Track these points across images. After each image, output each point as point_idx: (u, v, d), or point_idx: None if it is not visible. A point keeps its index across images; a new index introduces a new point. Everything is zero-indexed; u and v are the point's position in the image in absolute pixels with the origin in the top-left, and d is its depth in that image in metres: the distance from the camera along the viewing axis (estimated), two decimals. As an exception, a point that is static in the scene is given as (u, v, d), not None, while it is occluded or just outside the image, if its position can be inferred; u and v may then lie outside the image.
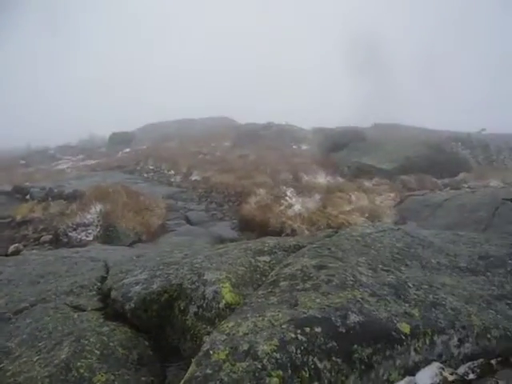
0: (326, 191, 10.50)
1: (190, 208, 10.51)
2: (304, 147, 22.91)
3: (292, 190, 10.50)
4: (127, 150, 24.10)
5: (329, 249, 2.38)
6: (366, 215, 8.56)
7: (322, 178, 12.61)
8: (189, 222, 9.29)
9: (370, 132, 20.73)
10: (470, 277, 2.44)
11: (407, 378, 1.64)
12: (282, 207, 9.38)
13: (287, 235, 7.31)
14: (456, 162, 15.09)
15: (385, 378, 1.57)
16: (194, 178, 14.25)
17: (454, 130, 21.86)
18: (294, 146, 23.38)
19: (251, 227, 8.68)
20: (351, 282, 1.93)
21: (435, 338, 1.72)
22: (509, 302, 2.17)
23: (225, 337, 1.56)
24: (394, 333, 1.63)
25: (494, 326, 1.91)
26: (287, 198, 9.98)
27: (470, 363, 1.80)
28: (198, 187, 12.78)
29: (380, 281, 2.03)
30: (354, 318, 1.61)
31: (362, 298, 1.80)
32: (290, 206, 9.47)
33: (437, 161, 14.62)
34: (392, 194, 10.36)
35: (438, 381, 1.67)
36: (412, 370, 1.66)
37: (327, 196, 10.08)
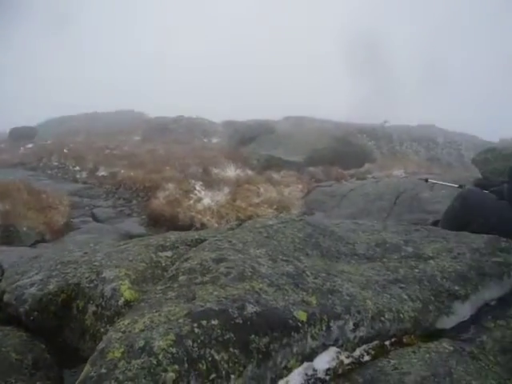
0: (235, 184, 10.59)
1: (96, 205, 10.22)
2: (214, 140, 23.00)
3: (201, 183, 10.49)
4: (30, 145, 22.87)
5: (229, 241, 2.41)
6: (275, 207, 8.75)
7: (231, 171, 12.68)
8: (95, 219, 9.03)
9: (280, 125, 21.12)
10: (367, 263, 2.57)
11: (305, 364, 1.71)
12: (191, 201, 9.35)
13: (196, 229, 7.29)
14: (361, 154, 15.78)
15: (283, 365, 1.62)
16: (100, 173, 13.85)
17: (361, 123, 22.81)
18: (205, 140, 23.41)
19: (160, 222, 8.59)
20: (250, 274, 1.97)
21: (331, 323, 1.80)
22: (402, 285, 2.31)
23: (120, 334, 1.54)
24: (290, 321, 1.69)
25: (387, 310, 2.03)
26: (196, 191, 9.96)
27: (365, 346, 1.90)
28: (105, 183, 12.44)
29: (279, 271, 2.09)
30: (251, 309, 1.64)
31: (260, 289, 1.84)
32: (200, 199, 9.46)
33: (343, 152, 15.22)
34: (300, 186, 10.65)
35: (334, 364, 1.76)
36: (310, 356, 1.73)
37: (236, 189, 10.17)
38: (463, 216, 3.67)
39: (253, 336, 1.57)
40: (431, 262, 2.61)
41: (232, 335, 1.54)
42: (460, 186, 4.30)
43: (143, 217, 9.29)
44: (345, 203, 7.88)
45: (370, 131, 20.49)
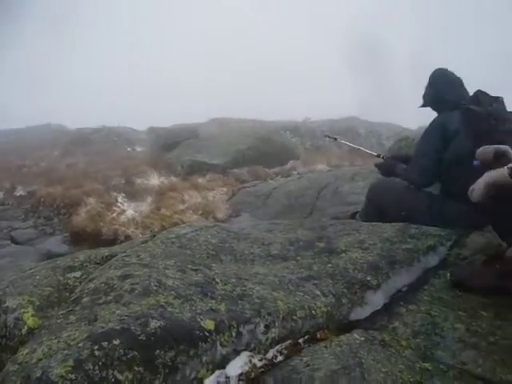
0: (158, 193, 10.46)
1: (15, 226, 9.76)
2: (138, 149, 22.61)
3: (124, 195, 10.29)
4: None
5: (138, 256, 2.40)
6: (200, 212, 8.71)
7: (155, 180, 12.50)
8: (15, 241, 8.63)
9: (203, 128, 21.06)
10: (281, 263, 2.63)
11: (217, 372, 1.72)
12: (114, 214, 9.15)
13: (121, 242, 7.15)
14: (285, 151, 15.99)
15: (192, 376, 1.63)
16: (18, 193, 13.27)
17: (286, 120, 23.14)
18: (128, 149, 22.96)
19: (83, 239, 8.34)
20: (155, 288, 1.96)
21: (241, 328, 1.83)
22: (315, 281, 2.38)
23: (17, 366, 1.50)
24: (197, 331, 1.70)
25: (299, 308, 2.09)
26: (119, 203, 9.77)
27: (278, 346, 1.94)
28: (24, 203, 11.92)
29: (187, 281, 2.10)
30: (154, 324, 1.64)
31: (165, 302, 1.84)
32: (123, 211, 9.28)
33: (267, 151, 15.36)
34: (225, 189, 10.66)
35: (247, 369, 1.78)
36: (221, 364, 1.75)
37: (160, 197, 10.05)
38: (375, 206, 3.82)
39: (158, 351, 1.57)
40: (343, 255, 2.71)
41: (136, 353, 1.53)
42: (378, 155, 4.42)
43: (65, 234, 9.00)
44: (269, 202, 7.98)
45: (293, 128, 20.85)
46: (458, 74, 3.87)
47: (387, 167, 4.05)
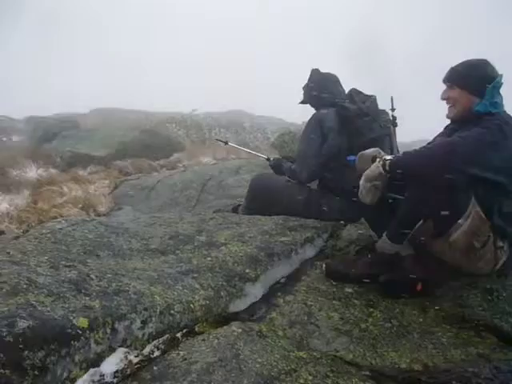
0: (36, 185, 9.94)
1: None
2: (15, 139, 21.26)
3: (-3, 188, 9.65)
4: None
5: (8, 253, 2.28)
6: (80, 206, 8.40)
7: (32, 172, 11.84)
8: None
9: (86, 119, 20.29)
10: (160, 257, 2.63)
11: (91, 371, 1.70)
12: (-16, 208, 8.58)
13: (-6, 238, 6.71)
14: (171, 143, 15.86)
15: (64, 376, 1.60)
16: None
17: (173, 111, 22.88)
18: (4, 139, 21.51)
19: None
20: (25, 286, 1.88)
21: (116, 325, 1.82)
22: (195, 275, 2.42)
23: None
24: (69, 329, 1.66)
25: (177, 302, 2.11)
26: (-8, 197, 9.15)
27: (155, 341, 1.95)
28: None
29: (60, 278, 2.04)
30: (22, 324, 1.58)
31: (36, 301, 1.77)
32: (-5, 205, 8.72)
33: (152, 143, 15.14)
34: (107, 181, 10.35)
35: (123, 366, 1.77)
36: (96, 362, 1.72)
37: (38, 190, 9.56)
38: (256, 200, 3.92)
39: (26, 352, 1.51)
40: (223, 248, 2.77)
41: (2, 355, 1.47)
42: (268, 159, 4.51)
43: None
44: (153, 195, 7.88)
45: (179, 120, 20.69)
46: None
47: (276, 167, 4.16)
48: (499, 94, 2.65)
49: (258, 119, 24.99)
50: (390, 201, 2.69)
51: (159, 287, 2.17)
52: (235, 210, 4.37)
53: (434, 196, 2.44)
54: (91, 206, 8.48)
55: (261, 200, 3.89)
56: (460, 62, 2.75)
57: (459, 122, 2.76)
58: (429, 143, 2.82)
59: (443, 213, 2.50)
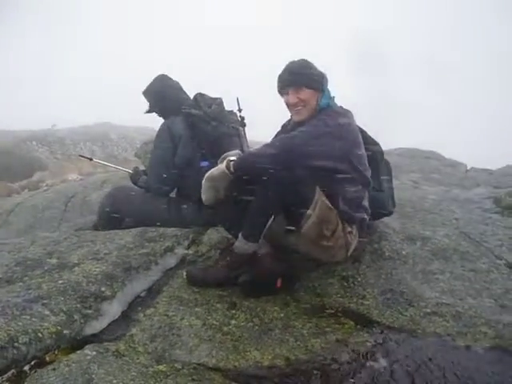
0: None
1: None
2: None
3: None
4: None
5: None
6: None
7: None
8: None
9: None
10: (6, 287, 2.45)
11: None
12: None
13: None
14: (32, 162, 15.07)
15: None
16: None
17: (34, 129, 21.76)
18: None
19: None
20: None
21: None
22: (45, 301, 2.27)
23: None
24: None
25: (22, 333, 1.96)
26: None
27: (-2, 379, 1.80)
28: None
29: None
30: None
31: None
32: None
33: (10, 164, 14.28)
34: (-42, 210, 9.55)
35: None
36: None
37: None
38: (112, 214, 3.81)
39: None
40: (76, 269, 2.64)
41: None
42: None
43: None
44: (12, 219, 7.36)
45: (41, 137, 19.71)
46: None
47: (133, 180, 4.05)
48: None
49: (127, 130, 24.45)
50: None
51: (1, 320, 2.02)
52: (96, 227, 4.21)
53: (280, 191, 2.51)
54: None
55: (117, 214, 3.78)
56: (284, 67, 2.86)
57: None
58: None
59: (292, 207, 2.58)
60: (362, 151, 2.83)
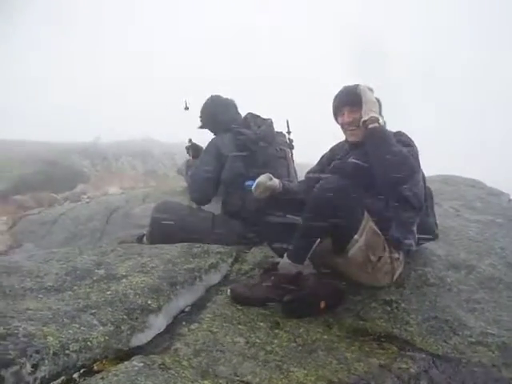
0: None
1: None
2: None
3: None
4: None
5: None
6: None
7: None
8: None
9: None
10: (56, 295, 2.51)
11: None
12: None
13: None
14: (74, 174, 15.42)
15: None
16: None
17: (75, 141, 22.21)
18: None
19: None
20: None
21: (3, 372, 1.70)
22: (93, 311, 2.32)
23: None
24: None
25: (73, 340, 2.01)
26: None
27: (49, 385, 1.84)
28: None
29: None
30: None
31: None
32: None
33: (55, 175, 14.67)
34: (4, 218, 9.83)
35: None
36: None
37: None
38: (160, 228, 3.86)
39: None
40: (124, 280, 2.68)
41: None
42: None
43: None
44: (56, 230, 7.56)
45: (82, 150, 20.11)
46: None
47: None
48: None
49: (167, 146, 24.76)
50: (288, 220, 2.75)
51: (53, 327, 2.07)
52: (140, 239, 4.28)
53: (329, 214, 2.51)
54: (-10, 248, 8.00)
55: (164, 228, 3.84)
56: (341, 89, 2.90)
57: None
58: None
59: (339, 230, 2.58)
60: (421, 174, 2.85)
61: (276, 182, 2.90)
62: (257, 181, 2.87)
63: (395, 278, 2.82)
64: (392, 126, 2.86)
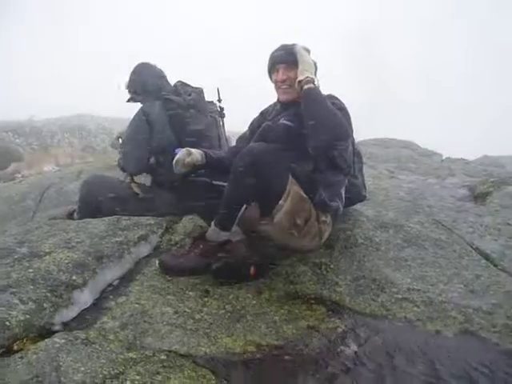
0: None
1: None
2: None
3: None
4: None
5: None
6: None
7: None
8: None
9: None
10: (-26, 277, 2.40)
11: None
12: None
13: None
14: (7, 153, 14.83)
15: None
16: None
17: (7, 120, 21.42)
18: None
19: None
20: None
21: None
22: (14, 290, 2.24)
23: None
24: None
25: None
26: None
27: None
28: None
29: None
30: None
31: None
32: None
33: (-15, 154, 14.06)
34: None
35: None
36: None
37: None
38: (89, 203, 3.76)
39: None
40: (47, 257, 2.60)
41: None
42: None
43: None
44: (-15, 211, 7.27)
45: (17, 128, 19.42)
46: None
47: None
48: None
49: (105, 121, 24.23)
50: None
51: None
52: (70, 215, 4.16)
53: (251, 180, 2.50)
54: None
55: (94, 202, 3.74)
56: (278, 47, 2.86)
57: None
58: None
59: (265, 195, 2.57)
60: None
61: (196, 155, 2.86)
62: (176, 157, 2.83)
63: (323, 240, 2.85)
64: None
